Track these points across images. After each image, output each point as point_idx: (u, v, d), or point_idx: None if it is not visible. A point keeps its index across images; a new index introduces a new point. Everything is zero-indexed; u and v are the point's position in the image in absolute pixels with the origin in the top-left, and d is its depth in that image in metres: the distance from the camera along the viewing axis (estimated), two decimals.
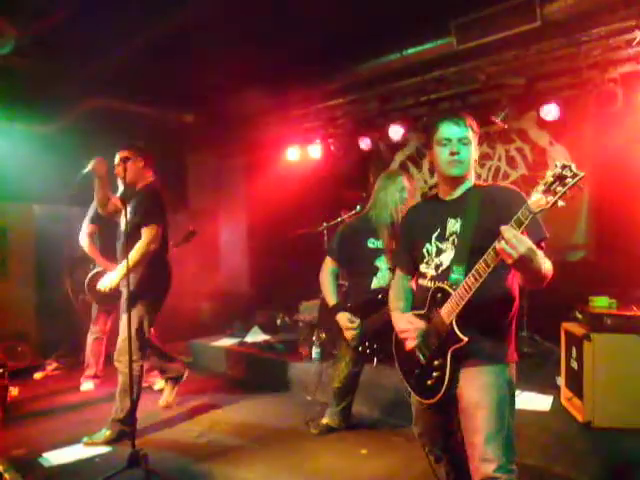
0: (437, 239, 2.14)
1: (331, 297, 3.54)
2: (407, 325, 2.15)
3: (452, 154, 2.09)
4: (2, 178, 5.37)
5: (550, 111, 4.74)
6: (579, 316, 3.42)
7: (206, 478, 3.20)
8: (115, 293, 4.46)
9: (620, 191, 4.50)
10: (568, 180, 1.64)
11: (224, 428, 3.99)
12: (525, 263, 1.73)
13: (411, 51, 4.86)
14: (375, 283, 3.41)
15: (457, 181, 2.14)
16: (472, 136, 2.13)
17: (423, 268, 2.18)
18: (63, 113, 5.90)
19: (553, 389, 3.72)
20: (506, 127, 5.13)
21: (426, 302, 2.09)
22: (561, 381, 3.62)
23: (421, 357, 2.11)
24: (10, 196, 5.61)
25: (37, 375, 5.43)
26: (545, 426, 3.24)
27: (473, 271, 1.88)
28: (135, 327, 3.50)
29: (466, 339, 1.93)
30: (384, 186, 3.49)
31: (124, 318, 3.46)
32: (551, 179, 1.66)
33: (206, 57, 5.12)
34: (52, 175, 5.59)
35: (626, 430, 3.04)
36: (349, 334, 3.39)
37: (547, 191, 1.66)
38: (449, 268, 2.05)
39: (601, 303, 3.42)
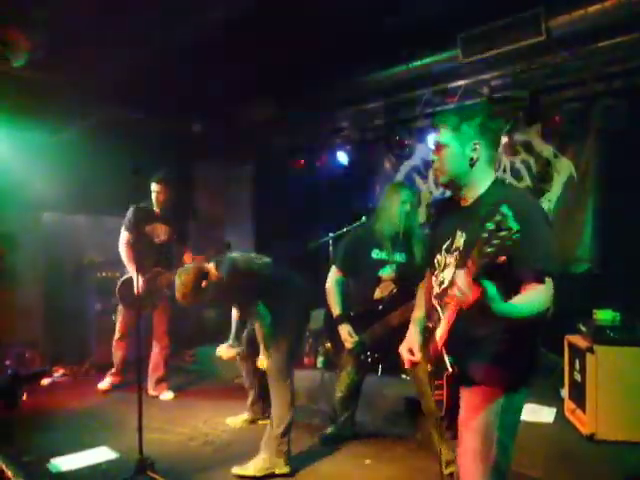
0: (446, 251, 1.98)
1: (336, 307, 3.57)
2: (403, 348, 2.15)
3: (432, 164, 2.00)
4: (12, 187, 5.45)
5: (554, 124, 4.78)
6: (583, 329, 3.44)
7: None
8: (144, 300, 4.72)
9: (625, 203, 4.52)
10: (503, 234, 1.45)
11: (230, 436, 4.02)
12: (484, 310, 1.58)
13: (417, 63, 4.92)
14: (377, 293, 3.46)
15: (453, 189, 1.98)
16: (450, 137, 1.89)
17: (433, 281, 2.06)
18: (72, 123, 5.97)
19: (557, 401, 3.73)
20: (512, 139, 5.19)
21: (432, 318, 2.04)
22: (565, 393, 3.63)
23: (428, 372, 2.07)
24: (20, 205, 5.67)
25: (45, 381, 5.47)
26: (548, 438, 3.26)
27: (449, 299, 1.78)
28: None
29: (450, 370, 1.84)
30: (387, 198, 3.54)
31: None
32: (492, 226, 1.46)
33: (213, 66, 5.20)
34: (61, 184, 5.67)
35: (629, 443, 3.06)
36: (347, 345, 3.45)
37: (488, 240, 1.48)
38: (446, 290, 1.85)
39: (605, 316, 3.44)
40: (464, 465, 1.90)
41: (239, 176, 7.71)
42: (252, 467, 3.30)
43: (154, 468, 3.11)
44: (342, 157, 6.40)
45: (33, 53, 4.25)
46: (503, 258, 1.52)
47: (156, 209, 4.97)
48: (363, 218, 5.38)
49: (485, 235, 1.48)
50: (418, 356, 2.08)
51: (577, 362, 3.39)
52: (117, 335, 5.08)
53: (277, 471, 3.30)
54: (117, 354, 5.10)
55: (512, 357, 1.87)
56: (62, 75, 5.12)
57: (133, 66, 5.10)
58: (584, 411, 3.21)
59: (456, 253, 1.91)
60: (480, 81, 4.95)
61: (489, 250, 1.48)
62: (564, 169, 5.09)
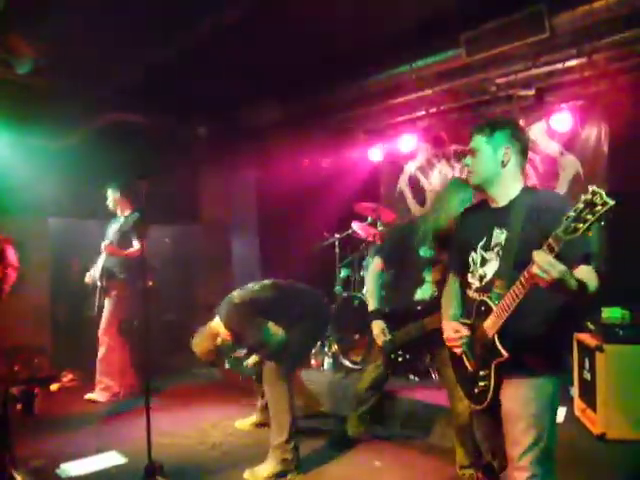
0: (482, 248, 2.14)
1: (372, 301, 3.45)
2: (453, 334, 2.18)
3: (465, 167, 2.21)
4: (18, 192, 5.48)
5: (561, 121, 4.76)
6: (591, 327, 3.42)
7: None
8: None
9: (634, 200, 4.49)
10: (598, 208, 1.63)
11: (238, 439, 4.02)
12: (559, 287, 1.73)
13: (420, 63, 4.89)
14: (419, 294, 3.32)
15: (484, 189, 2.16)
16: (483, 143, 2.11)
17: (469, 278, 2.20)
18: (78, 128, 6.00)
19: (566, 400, 3.71)
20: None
21: (472, 313, 2.13)
22: (574, 392, 3.61)
23: (468, 366, 2.15)
24: (25, 209, 5.71)
25: (53, 386, 5.49)
26: (558, 437, 3.23)
27: (511, 290, 1.90)
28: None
29: (506, 355, 1.95)
30: (447, 195, 3.24)
31: None
32: (581, 205, 1.65)
33: (218, 70, 5.21)
34: (67, 189, 5.70)
35: None
36: (379, 343, 3.35)
37: (577, 218, 1.66)
38: (492, 281, 2.05)
39: (614, 314, 3.42)
40: (517, 454, 1.99)
41: (243, 179, 7.73)
42: (262, 471, 3.30)
43: (163, 472, 3.11)
44: (347, 159, 6.40)
45: (37, 60, 4.27)
46: (591, 233, 1.66)
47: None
48: (369, 219, 5.41)
49: (572, 214, 1.66)
50: (466, 331, 2.14)
51: (586, 361, 3.37)
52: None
53: (288, 476, 3.31)
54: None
55: (555, 342, 2.06)
56: (66, 81, 5.15)
57: (136, 70, 5.13)
58: (594, 410, 3.19)
59: (497, 248, 2.08)
60: (484, 79, 4.92)
61: (580, 226, 1.65)
62: (570, 166, 5.06)
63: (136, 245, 4.83)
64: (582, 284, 1.79)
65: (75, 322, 5.94)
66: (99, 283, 4.99)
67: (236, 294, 3.55)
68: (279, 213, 7.00)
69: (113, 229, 5.11)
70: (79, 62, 4.74)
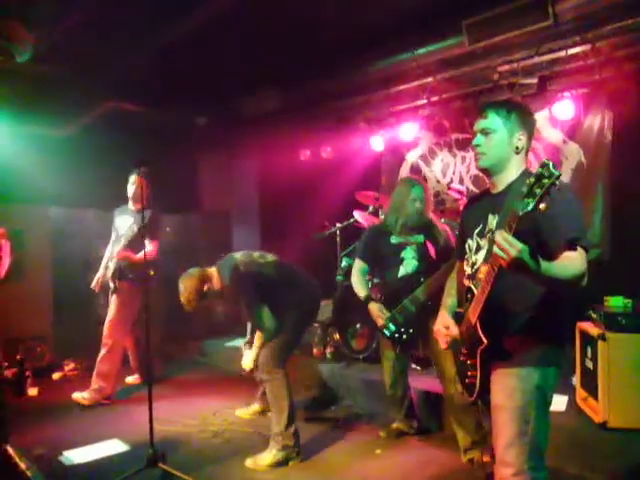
0: (478, 235, 2.09)
1: (361, 290, 3.58)
2: (442, 329, 2.17)
3: (474, 147, 2.07)
4: (19, 181, 5.45)
5: (564, 109, 4.73)
6: (594, 315, 3.41)
7: (223, 478, 3.25)
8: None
9: (636, 188, 4.47)
10: (544, 181, 1.56)
11: (239, 428, 4.04)
12: (520, 268, 1.63)
13: (422, 51, 4.85)
14: (402, 271, 3.46)
15: (489, 173, 2.07)
16: (500, 124, 2.01)
17: (464, 265, 2.16)
18: (78, 116, 5.97)
19: (568, 389, 3.71)
20: None
21: (463, 301, 2.11)
22: (576, 381, 3.61)
23: (460, 356, 2.12)
24: (26, 199, 5.69)
25: (55, 375, 5.52)
26: (560, 426, 3.22)
27: (485, 274, 1.86)
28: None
29: (485, 341, 1.90)
30: (398, 194, 3.55)
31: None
32: (533, 179, 1.58)
33: (218, 58, 5.17)
34: (67, 178, 5.68)
35: None
36: (380, 322, 3.44)
37: (529, 193, 1.59)
38: (479, 268, 2.00)
39: (616, 303, 3.41)
40: (501, 447, 1.93)
41: (244, 167, 7.70)
42: (264, 459, 3.32)
43: (165, 460, 3.13)
44: (348, 147, 6.38)
45: (36, 48, 4.23)
46: (544, 206, 1.58)
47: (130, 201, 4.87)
48: (370, 208, 5.39)
49: (525, 189, 1.59)
50: (455, 331, 2.11)
51: (588, 349, 3.36)
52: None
53: (289, 463, 3.34)
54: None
55: (543, 331, 1.95)
56: (66, 69, 5.11)
57: (137, 59, 5.09)
58: (596, 399, 3.19)
59: (489, 235, 2.00)
60: (487, 67, 4.88)
61: (529, 200, 1.58)
62: (573, 155, 5.04)
63: (149, 246, 4.39)
64: (551, 268, 1.71)
65: (77, 311, 5.93)
66: (112, 285, 4.71)
67: (241, 259, 3.56)
68: (280, 201, 6.99)
69: (126, 223, 4.71)
70: (78, 49, 4.70)
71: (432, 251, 3.45)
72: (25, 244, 5.69)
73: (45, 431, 3.99)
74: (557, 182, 1.55)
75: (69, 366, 5.66)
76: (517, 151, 2.03)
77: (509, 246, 1.61)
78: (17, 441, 3.37)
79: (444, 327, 2.16)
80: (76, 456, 3.52)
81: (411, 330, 3.39)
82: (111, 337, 4.68)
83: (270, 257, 3.69)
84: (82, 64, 5.04)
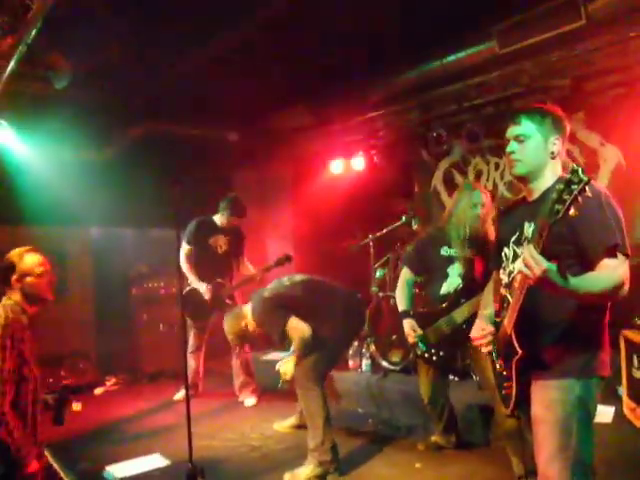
0: (514, 243, 2.06)
1: (401, 302, 3.54)
2: (477, 333, 2.14)
3: (508, 154, 2.03)
4: (61, 203, 5.63)
5: (598, 110, 4.61)
6: (639, 322, 3.29)
7: None
8: (208, 311, 4.85)
9: None
10: (574, 187, 1.52)
11: (277, 441, 4.04)
12: (548, 286, 1.61)
13: (452, 58, 4.82)
14: (444, 289, 3.38)
15: (526, 181, 2.03)
16: (534, 130, 1.98)
17: (501, 274, 2.12)
18: (115, 140, 6.16)
19: (614, 399, 3.57)
20: None
21: (501, 311, 2.06)
22: (623, 391, 3.47)
23: (497, 366, 2.08)
24: (68, 220, 5.87)
25: (97, 391, 5.64)
26: (607, 439, 3.11)
27: (518, 282, 1.82)
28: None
29: (520, 351, 1.85)
30: (458, 200, 3.41)
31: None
32: (562, 186, 1.55)
33: (249, 75, 5.26)
34: (107, 199, 5.85)
35: None
36: (410, 340, 3.41)
37: (558, 199, 1.56)
38: (515, 277, 1.94)
39: None
40: (542, 462, 1.88)
41: (277, 181, 7.76)
42: (301, 474, 3.30)
43: (204, 475, 3.14)
44: (379, 158, 6.37)
45: (74, 74, 4.39)
46: (573, 211, 1.55)
47: (218, 222, 5.08)
48: (403, 218, 5.35)
49: (554, 196, 1.56)
50: (491, 329, 2.07)
51: (635, 358, 3.24)
52: (190, 349, 5.11)
53: (327, 477, 3.31)
54: (191, 366, 5.09)
55: (583, 341, 1.89)
56: (102, 93, 5.29)
57: (168, 79, 5.23)
58: None
59: (525, 243, 1.94)
60: (518, 71, 4.81)
61: (558, 207, 1.54)
62: (611, 157, 4.89)
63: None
64: (581, 284, 1.67)
65: (118, 327, 6.07)
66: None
67: (268, 287, 3.64)
68: (313, 214, 6.99)
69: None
70: (112, 74, 4.86)
71: (479, 268, 3.30)
72: (68, 263, 5.88)
73: (88, 446, 4.08)
74: (587, 187, 1.51)
75: (111, 381, 5.79)
76: (552, 156, 1.99)
77: (535, 264, 1.60)
78: (61, 456, 3.45)
79: (480, 330, 2.13)
80: (119, 471, 3.57)
81: (442, 353, 3.32)
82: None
83: (298, 277, 3.70)
84: (117, 86, 5.21)
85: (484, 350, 2.13)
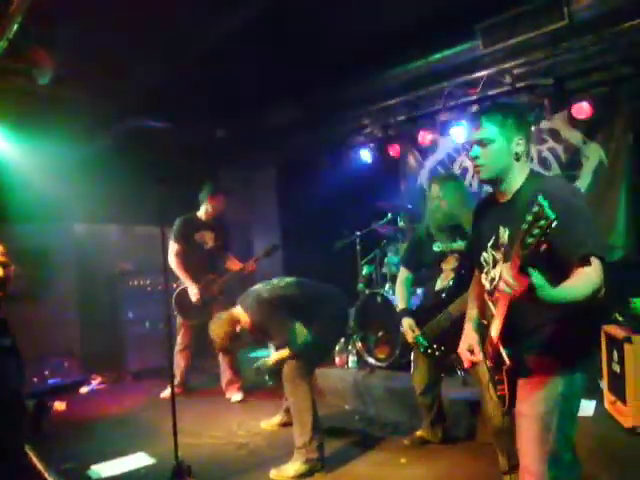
0: (492, 248, 2.00)
1: (400, 301, 3.58)
2: (463, 348, 2.15)
3: (472, 159, 1.99)
4: (43, 200, 5.58)
5: (582, 109, 4.66)
6: (619, 318, 3.34)
7: None
8: (200, 308, 4.82)
9: None
10: (542, 223, 1.45)
11: (264, 439, 4.04)
12: (531, 299, 1.59)
13: (437, 56, 4.85)
14: (439, 285, 3.44)
15: (494, 183, 2.00)
16: (496, 133, 1.91)
17: (483, 279, 2.06)
18: (99, 135, 6.10)
19: (596, 393, 3.63)
20: (538, 127, 5.11)
21: (486, 312, 2.07)
22: (603, 385, 3.53)
23: (488, 369, 2.09)
24: (51, 217, 5.81)
25: (83, 390, 5.60)
26: (589, 432, 3.16)
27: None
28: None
29: (509, 363, 1.88)
30: (428, 194, 3.53)
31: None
32: (530, 217, 1.47)
33: (234, 71, 5.24)
34: (91, 195, 5.80)
35: None
36: (409, 339, 3.44)
37: (528, 232, 1.48)
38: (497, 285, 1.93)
39: None
40: (524, 453, 1.92)
41: (263, 179, 7.75)
42: (288, 471, 3.32)
43: (190, 472, 3.14)
44: (365, 156, 6.40)
45: (56, 71, 4.35)
46: (545, 246, 1.52)
47: (203, 217, 5.08)
48: (389, 215, 5.37)
49: (525, 227, 1.49)
50: (479, 356, 2.08)
51: (615, 353, 3.29)
52: (179, 347, 5.11)
53: (314, 474, 3.32)
54: (180, 365, 5.12)
55: (565, 342, 1.89)
56: (86, 90, 5.23)
57: (153, 77, 5.19)
58: (624, 403, 3.12)
59: (503, 248, 1.92)
60: (502, 70, 4.85)
61: (530, 241, 1.49)
62: (593, 155, 4.96)
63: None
64: (561, 294, 1.65)
65: (102, 325, 6.03)
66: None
67: (263, 289, 3.60)
68: (300, 212, 7.00)
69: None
70: (98, 69, 4.81)
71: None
72: (50, 261, 5.81)
73: (73, 445, 4.05)
74: (553, 224, 1.45)
75: (96, 380, 5.76)
76: (517, 157, 1.94)
77: (514, 283, 1.59)
78: (46, 456, 3.43)
79: (468, 350, 2.13)
80: (104, 470, 3.56)
81: (443, 347, 3.33)
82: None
83: (289, 279, 3.72)
84: (101, 83, 5.16)
85: (465, 365, 2.17)
